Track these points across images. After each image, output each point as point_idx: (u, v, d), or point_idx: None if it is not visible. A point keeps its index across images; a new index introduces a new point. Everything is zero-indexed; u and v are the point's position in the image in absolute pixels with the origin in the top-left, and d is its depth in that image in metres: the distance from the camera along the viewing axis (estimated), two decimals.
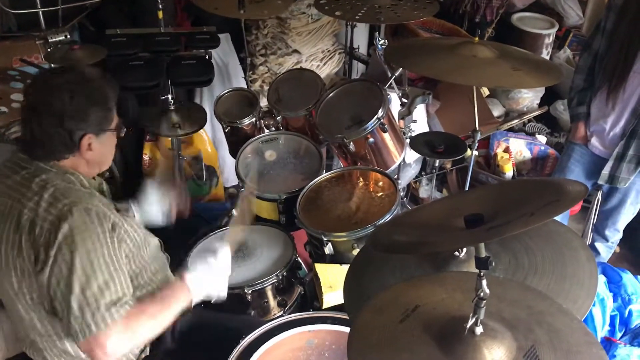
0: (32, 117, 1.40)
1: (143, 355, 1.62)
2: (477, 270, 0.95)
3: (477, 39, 1.99)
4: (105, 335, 1.32)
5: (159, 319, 1.44)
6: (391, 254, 1.35)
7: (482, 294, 0.93)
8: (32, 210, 1.36)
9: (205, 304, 1.85)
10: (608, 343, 2.13)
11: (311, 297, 2.06)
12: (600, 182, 2.36)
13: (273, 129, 2.53)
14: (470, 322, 0.95)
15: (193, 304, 1.53)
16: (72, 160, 1.45)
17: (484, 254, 0.97)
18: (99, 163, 1.53)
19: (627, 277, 2.30)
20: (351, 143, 2.20)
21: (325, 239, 1.96)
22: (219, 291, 1.59)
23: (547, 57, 3.85)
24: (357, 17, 2.48)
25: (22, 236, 1.36)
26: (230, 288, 1.89)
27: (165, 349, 1.65)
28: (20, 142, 1.46)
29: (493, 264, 1.20)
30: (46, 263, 1.33)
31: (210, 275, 1.56)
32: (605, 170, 2.32)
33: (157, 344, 1.64)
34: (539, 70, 2.03)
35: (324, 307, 1.91)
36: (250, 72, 3.59)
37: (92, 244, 1.34)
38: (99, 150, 1.47)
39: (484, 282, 0.93)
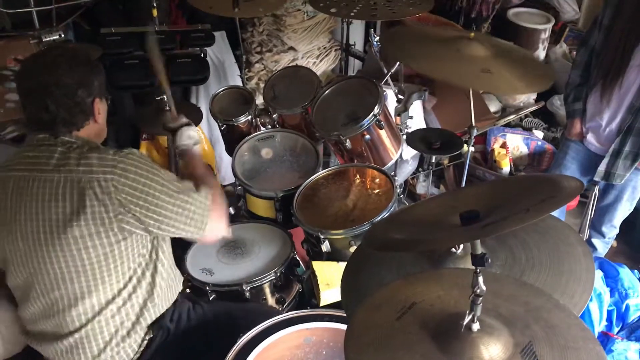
0: (44, 96, 1.43)
1: (142, 349, 1.62)
2: (473, 267, 0.95)
3: (472, 34, 1.98)
4: (214, 212, 1.54)
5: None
6: (387, 252, 1.35)
7: (478, 291, 0.93)
8: (86, 173, 1.42)
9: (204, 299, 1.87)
10: (605, 338, 2.13)
11: (309, 295, 2.06)
12: (596, 178, 2.36)
13: (269, 126, 2.52)
14: (467, 319, 0.95)
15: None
16: (87, 129, 1.52)
17: (480, 250, 0.97)
18: (102, 130, 1.60)
19: (624, 272, 2.30)
20: (347, 140, 2.19)
21: (322, 237, 1.96)
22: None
23: (544, 52, 3.86)
24: (352, 14, 2.47)
25: (87, 199, 1.41)
26: (229, 285, 1.91)
27: (164, 345, 1.65)
28: (36, 124, 1.49)
29: (489, 260, 1.20)
30: (130, 200, 1.42)
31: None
32: (601, 167, 2.32)
33: (154, 339, 1.64)
34: (533, 72, 2.01)
35: (321, 304, 1.91)
36: (246, 70, 3.59)
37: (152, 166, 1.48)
38: (103, 115, 1.57)
39: (481, 279, 0.93)
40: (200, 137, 3.11)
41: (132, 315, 1.57)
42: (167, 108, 1.88)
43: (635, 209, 2.54)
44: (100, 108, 1.54)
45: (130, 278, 1.54)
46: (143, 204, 1.44)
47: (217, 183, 1.66)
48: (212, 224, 1.55)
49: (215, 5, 2.57)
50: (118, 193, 1.41)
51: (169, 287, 1.66)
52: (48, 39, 2.40)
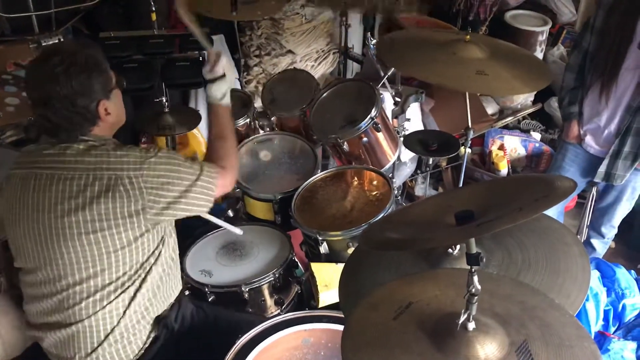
0: (45, 107, 1.45)
1: (146, 346, 1.63)
2: (469, 267, 0.96)
3: (468, 37, 1.99)
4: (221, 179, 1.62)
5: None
6: (383, 251, 1.36)
7: (473, 290, 0.94)
8: (115, 170, 1.46)
9: (203, 300, 1.87)
10: (602, 337, 2.14)
11: (308, 296, 2.07)
12: (596, 179, 2.36)
13: (268, 129, 2.54)
14: (463, 318, 0.96)
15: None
16: (98, 129, 1.54)
17: (474, 250, 0.98)
18: (118, 121, 1.62)
19: (621, 272, 2.31)
20: (345, 143, 2.21)
21: (321, 238, 1.96)
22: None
23: (541, 55, 3.86)
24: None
25: (117, 194, 1.45)
26: (228, 286, 1.92)
27: (166, 345, 1.66)
28: (44, 130, 1.51)
29: (484, 260, 1.20)
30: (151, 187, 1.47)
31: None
32: (602, 168, 2.32)
33: (158, 337, 1.64)
34: (530, 72, 2.02)
35: (320, 306, 1.91)
36: (245, 73, 3.60)
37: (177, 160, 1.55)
38: (115, 110, 1.57)
39: (475, 278, 0.94)
40: (200, 140, 3.14)
41: (137, 309, 1.57)
42: (204, 59, 1.94)
43: (632, 209, 2.54)
44: (109, 106, 1.54)
45: (137, 272, 1.55)
46: (166, 195, 1.49)
47: (233, 140, 1.77)
48: (218, 189, 1.62)
49: (214, 8, 2.58)
50: (147, 188, 1.46)
51: (171, 285, 1.68)
52: (47, 43, 2.40)
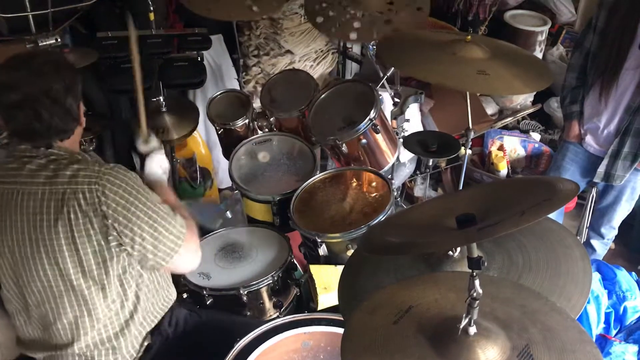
0: (35, 106, 1.39)
1: (139, 355, 1.61)
2: (470, 270, 0.95)
3: (469, 37, 1.98)
4: (188, 243, 1.51)
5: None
6: (383, 255, 1.34)
7: (475, 294, 0.93)
8: (70, 184, 1.39)
9: (202, 305, 1.86)
10: (603, 340, 2.13)
11: (307, 299, 2.06)
12: (596, 180, 2.36)
13: (266, 130, 2.52)
14: (464, 322, 0.95)
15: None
16: (68, 142, 1.49)
17: (476, 253, 0.97)
18: (79, 135, 1.56)
19: (622, 274, 2.30)
20: (344, 144, 2.19)
21: (320, 240, 1.95)
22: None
23: (541, 54, 3.86)
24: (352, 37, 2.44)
25: (71, 211, 1.39)
26: (226, 289, 1.90)
27: (162, 351, 1.64)
28: (27, 134, 1.45)
29: (485, 263, 1.20)
30: (106, 217, 1.40)
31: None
32: (601, 168, 2.32)
33: (151, 346, 1.63)
34: (531, 72, 2.02)
35: (319, 308, 1.90)
36: (244, 73, 3.58)
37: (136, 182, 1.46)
38: (82, 119, 1.53)
39: (477, 282, 0.93)
40: (198, 141, 3.12)
41: (119, 326, 1.55)
42: (138, 124, 1.75)
43: (633, 210, 2.54)
44: (82, 110, 1.52)
45: (119, 294, 1.51)
46: (123, 219, 1.41)
47: (189, 217, 1.61)
48: (184, 254, 1.51)
49: (212, 9, 2.57)
50: (102, 205, 1.39)
51: (161, 298, 1.65)
52: (44, 43, 2.39)
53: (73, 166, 1.42)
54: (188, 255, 1.54)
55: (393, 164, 2.40)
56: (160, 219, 1.46)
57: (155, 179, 1.67)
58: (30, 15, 2.41)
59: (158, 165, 1.70)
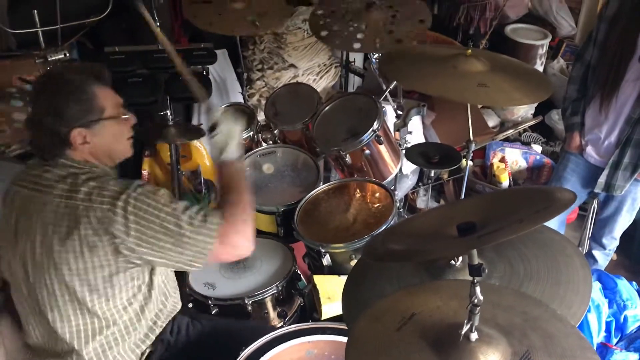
0: (30, 128, 1.49)
1: None
2: (471, 277, 0.97)
3: (469, 51, 2.02)
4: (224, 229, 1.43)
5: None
6: (385, 262, 1.36)
7: (475, 301, 0.95)
8: (84, 201, 1.40)
9: (206, 313, 1.88)
10: (604, 349, 2.14)
11: (310, 309, 2.07)
12: (596, 190, 2.38)
13: (270, 142, 2.55)
14: (465, 329, 0.96)
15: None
16: (77, 153, 1.48)
17: (476, 261, 0.99)
18: (106, 153, 1.54)
19: (622, 284, 2.31)
20: (347, 155, 2.22)
21: (323, 251, 1.97)
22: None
23: (541, 68, 3.90)
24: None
25: (82, 227, 1.39)
26: (231, 299, 1.92)
27: (163, 359, 1.66)
28: (31, 147, 1.54)
29: (486, 271, 1.22)
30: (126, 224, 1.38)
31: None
32: (602, 179, 2.34)
33: (154, 354, 1.65)
34: (531, 84, 2.05)
35: (323, 318, 1.91)
36: (248, 87, 3.63)
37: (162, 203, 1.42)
38: (98, 142, 1.49)
39: (478, 289, 0.95)
40: (202, 153, 3.15)
41: (122, 336, 1.56)
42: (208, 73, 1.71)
43: (634, 221, 2.55)
44: (89, 135, 1.46)
45: (124, 307, 1.53)
46: (140, 236, 1.40)
47: (239, 200, 1.53)
48: (219, 247, 1.44)
49: (216, 24, 2.61)
50: (113, 225, 1.38)
51: (163, 308, 1.66)
52: (53, 58, 2.43)
53: (89, 183, 1.42)
54: (225, 247, 1.45)
55: (396, 175, 2.43)
56: (184, 236, 1.41)
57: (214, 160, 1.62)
58: (39, 31, 2.46)
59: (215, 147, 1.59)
